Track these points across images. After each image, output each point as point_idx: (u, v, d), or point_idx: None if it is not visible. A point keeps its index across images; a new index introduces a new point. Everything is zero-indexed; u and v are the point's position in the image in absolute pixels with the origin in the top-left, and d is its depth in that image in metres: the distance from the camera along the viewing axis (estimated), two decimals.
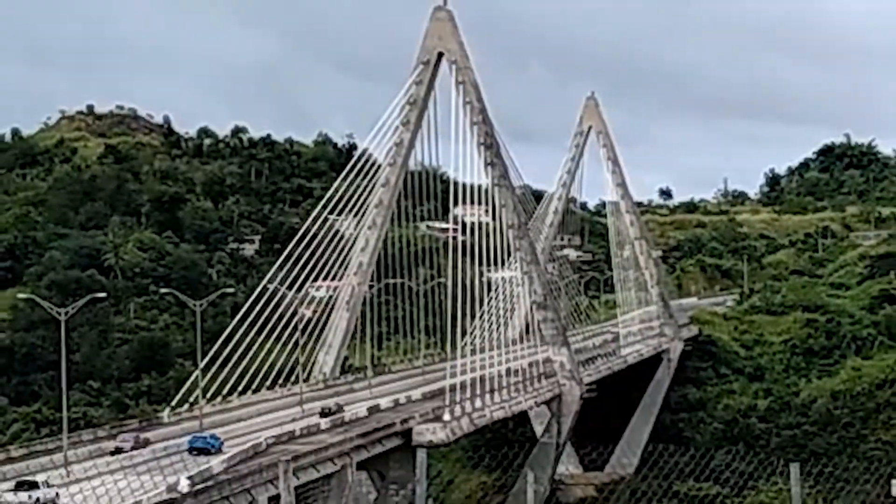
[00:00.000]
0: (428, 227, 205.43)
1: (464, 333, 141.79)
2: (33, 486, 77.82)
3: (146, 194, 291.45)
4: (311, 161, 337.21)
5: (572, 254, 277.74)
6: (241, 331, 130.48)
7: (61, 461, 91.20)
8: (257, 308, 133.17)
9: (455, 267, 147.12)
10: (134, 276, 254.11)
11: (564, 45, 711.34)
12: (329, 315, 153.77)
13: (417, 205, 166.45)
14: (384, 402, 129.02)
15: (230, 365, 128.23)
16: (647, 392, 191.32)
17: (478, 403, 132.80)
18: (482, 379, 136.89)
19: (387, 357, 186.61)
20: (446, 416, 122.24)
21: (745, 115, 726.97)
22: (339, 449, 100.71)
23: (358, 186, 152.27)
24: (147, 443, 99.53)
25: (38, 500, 76.31)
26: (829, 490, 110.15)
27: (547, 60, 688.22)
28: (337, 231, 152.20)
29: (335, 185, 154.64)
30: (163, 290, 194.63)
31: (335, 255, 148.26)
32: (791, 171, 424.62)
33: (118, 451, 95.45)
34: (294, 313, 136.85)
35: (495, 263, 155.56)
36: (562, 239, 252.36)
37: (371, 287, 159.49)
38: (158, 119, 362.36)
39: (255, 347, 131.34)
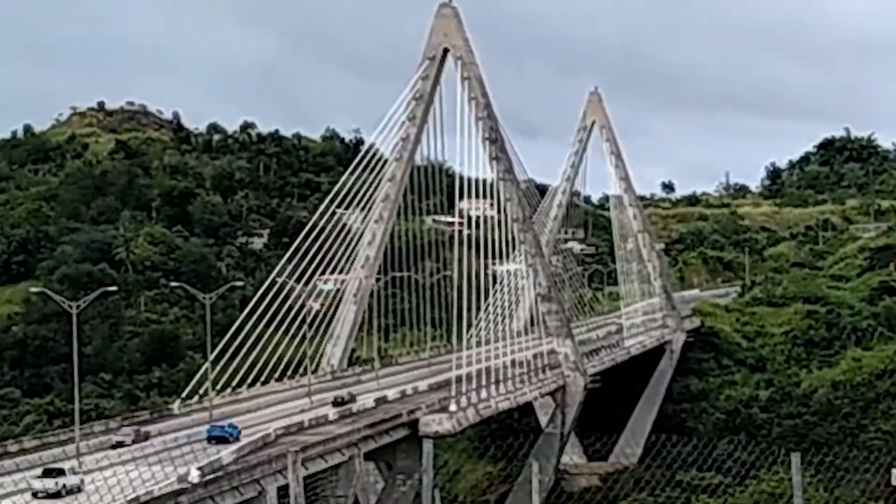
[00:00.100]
0: (434, 220, 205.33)
1: (469, 325, 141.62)
2: (60, 473, 78.33)
3: (156, 189, 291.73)
4: (318, 156, 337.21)
5: (576, 247, 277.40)
6: (250, 323, 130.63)
7: (73, 452, 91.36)
8: (266, 301, 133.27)
9: (461, 260, 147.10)
10: (144, 270, 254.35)
11: (568, 41, 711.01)
12: (337, 308, 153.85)
13: (423, 199, 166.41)
14: (391, 394, 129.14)
15: (239, 357, 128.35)
16: (651, 383, 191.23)
17: (483, 394, 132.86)
18: (487, 370, 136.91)
19: (393, 349, 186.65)
20: (452, 407, 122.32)
21: (746, 109, 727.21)
22: (347, 439, 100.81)
23: (365, 181, 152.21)
24: (148, 436, 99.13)
25: (64, 486, 76.71)
26: (829, 479, 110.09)
27: (550, 56, 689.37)
28: (344, 225, 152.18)
29: (342, 179, 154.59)
30: (173, 284, 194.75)
31: (342, 249, 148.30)
32: (792, 165, 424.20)
33: (119, 444, 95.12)
34: (302, 306, 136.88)
35: (500, 256, 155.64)
36: (566, 232, 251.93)
37: (378, 280, 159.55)
38: (168, 115, 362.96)
39: (263, 340, 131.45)
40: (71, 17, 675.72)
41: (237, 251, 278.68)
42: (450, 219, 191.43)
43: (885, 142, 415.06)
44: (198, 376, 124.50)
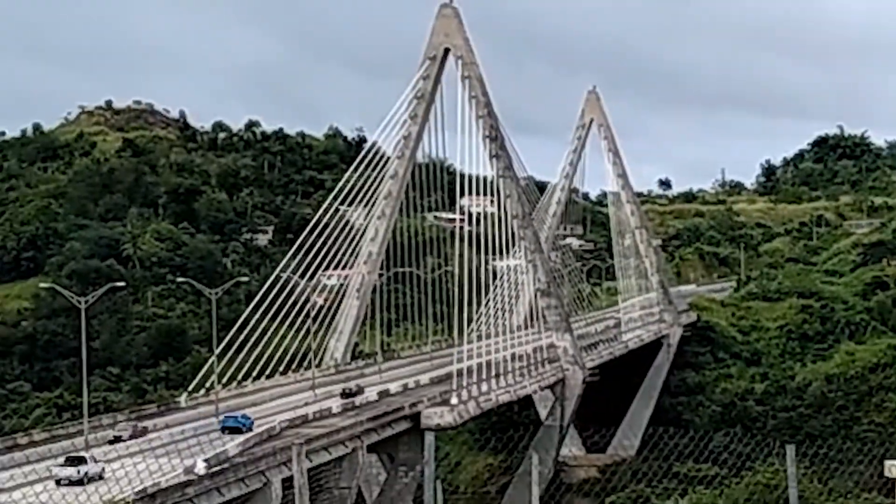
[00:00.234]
0: (435, 217, 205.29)
1: (470, 320, 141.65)
2: (81, 461, 79.13)
3: (163, 186, 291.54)
4: (322, 154, 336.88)
5: (575, 242, 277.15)
6: (255, 318, 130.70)
7: (82, 445, 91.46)
8: (271, 296, 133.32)
9: (461, 256, 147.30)
10: (151, 266, 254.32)
11: (567, 40, 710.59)
12: (340, 302, 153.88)
13: (425, 195, 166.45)
14: (393, 387, 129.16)
15: (245, 351, 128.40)
16: (648, 376, 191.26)
17: (484, 388, 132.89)
18: (488, 364, 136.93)
19: (396, 343, 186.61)
20: (453, 400, 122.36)
21: (742, 108, 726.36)
22: (351, 432, 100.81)
23: (367, 178, 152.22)
24: (145, 431, 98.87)
25: (85, 474, 77.25)
26: (823, 470, 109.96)
27: (549, 55, 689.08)
28: (347, 221, 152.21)
29: (346, 176, 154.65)
30: (179, 279, 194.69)
31: (346, 245, 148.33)
32: (786, 162, 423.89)
33: (117, 439, 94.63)
34: (306, 301, 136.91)
35: (500, 252, 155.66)
36: (565, 228, 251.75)
37: (380, 275, 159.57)
38: (175, 114, 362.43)
39: (268, 334, 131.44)
40: (80, 18, 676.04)
41: (242, 247, 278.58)
42: (451, 215, 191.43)
43: (878, 139, 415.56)
44: (204, 370, 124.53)
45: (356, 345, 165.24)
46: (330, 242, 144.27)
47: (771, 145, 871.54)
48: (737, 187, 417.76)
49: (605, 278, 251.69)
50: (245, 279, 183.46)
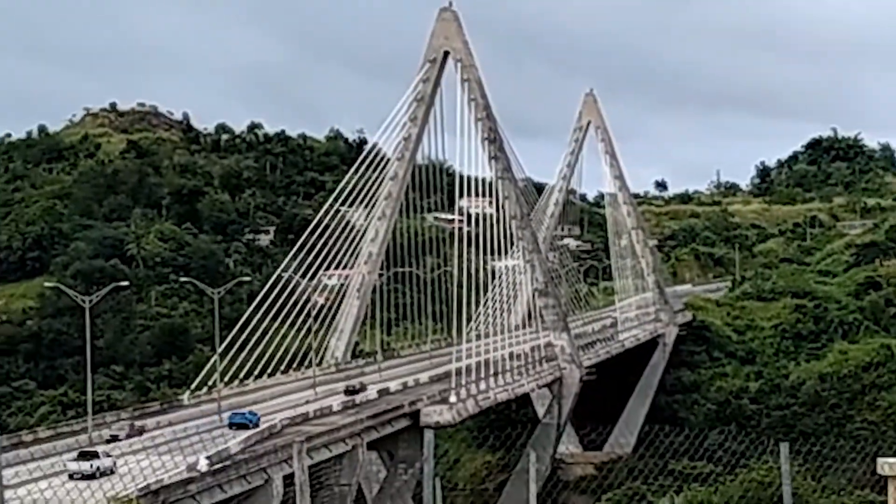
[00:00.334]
0: (435, 218, 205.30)
1: (469, 319, 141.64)
2: (94, 455, 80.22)
3: (166, 187, 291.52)
4: (323, 155, 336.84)
5: (572, 243, 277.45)
6: (256, 317, 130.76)
7: (86, 442, 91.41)
8: (272, 296, 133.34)
9: (461, 256, 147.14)
10: (155, 266, 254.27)
11: (564, 43, 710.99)
12: (341, 302, 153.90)
13: (425, 197, 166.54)
14: (393, 385, 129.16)
15: (247, 350, 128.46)
16: (644, 375, 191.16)
17: (482, 386, 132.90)
18: (486, 363, 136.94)
19: (395, 342, 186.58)
20: (452, 399, 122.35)
21: (737, 110, 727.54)
22: (351, 430, 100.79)
23: (368, 179, 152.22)
24: (142, 431, 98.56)
25: (98, 468, 78.10)
26: (817, 468, 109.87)
27: (548, 58, 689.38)
28: (348, 222, 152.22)
29: (346, 178, 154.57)
30: (182, 279, 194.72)
31: (346, 245, 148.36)
32: (781, 164, 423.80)
33: (114, 438, 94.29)
34: (307, 300, 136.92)
35: (499, 252, 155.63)
36: (562, 229, 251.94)
37: (381, 275, 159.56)
38: (178, 116, 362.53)
39: (270, 333, 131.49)
40: (83, 20, 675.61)
41: (244, 247, 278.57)
42: (450, 216, 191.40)
43: (870, 141, 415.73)
44: (206, 368, 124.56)
45: (356, 344, 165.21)
46: (331, 243, 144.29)
47: (765, 147, 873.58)
48: (732, 189, 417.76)
49: (601, 278, 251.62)
50: (247, 279, 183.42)
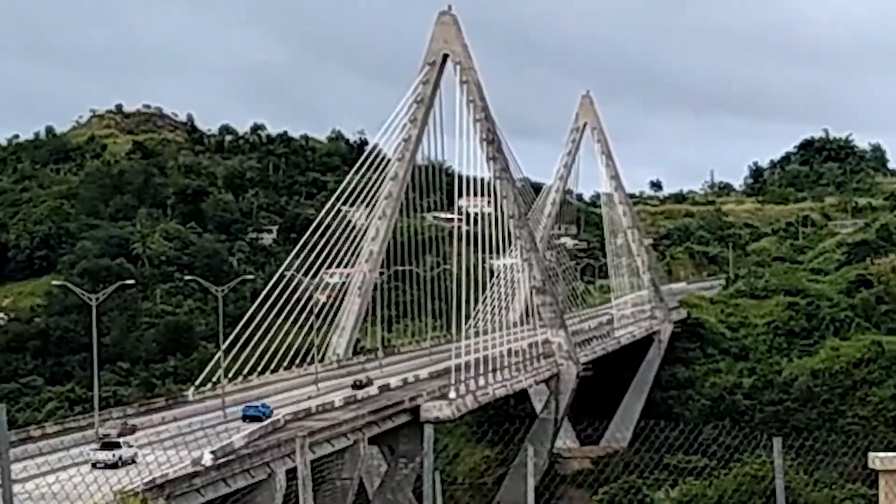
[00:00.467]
0: (434, 217, 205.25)
1: (468, 317, 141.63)
2: (116, 445, 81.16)
3: (171, 187, 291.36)
4: (325, 156, 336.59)
5: (569, 242, 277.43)
6: (260, 315, 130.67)
7: (93, 437, 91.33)
8: (275, 293, 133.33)
9: (460, 254, 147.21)
10: (160, 264, 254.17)
11: (561, 46, 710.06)
12: (342, 300, 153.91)
13: (424, 196, 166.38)
14: (394, 381, 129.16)
15: (250, 347, 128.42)
16: (640, 371, 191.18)
17: (481, 382, 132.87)
18: (485, 359, 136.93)
19: (396, 339, 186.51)
20: (452, 394, 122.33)
21: (730, 111, 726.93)
22: (352, 425, 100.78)
23: (369, 179, 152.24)
24: (134, 430, 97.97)
25: (120, 457, 78.79)
26: (809, 462, 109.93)
27: (544, 60, 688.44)
28: (349, 221, 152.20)
29: (348, 178, 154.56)
30: (187, 277, 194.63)
31: (348, 244, 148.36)
32: (773, 164, 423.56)
33: (105, 437, 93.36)
34: (309, 298, 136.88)
35: (497, 251, 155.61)
36: (559, 228, 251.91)
37: (381, 273, 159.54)
38: (183, 117, 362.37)
39: (273, 330, 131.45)
40: (90, 24, 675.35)
41: (248, 246, 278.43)
42: (449, 215, 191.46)
43: (861, 142, 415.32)
44: (211, 365, 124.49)
45: (358, 340, 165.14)
46: (332, 242, 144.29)
47: (758, 148, 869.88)
48: (725, 188, 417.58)
49: (598, 276, 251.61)
50: (250, 277, 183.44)
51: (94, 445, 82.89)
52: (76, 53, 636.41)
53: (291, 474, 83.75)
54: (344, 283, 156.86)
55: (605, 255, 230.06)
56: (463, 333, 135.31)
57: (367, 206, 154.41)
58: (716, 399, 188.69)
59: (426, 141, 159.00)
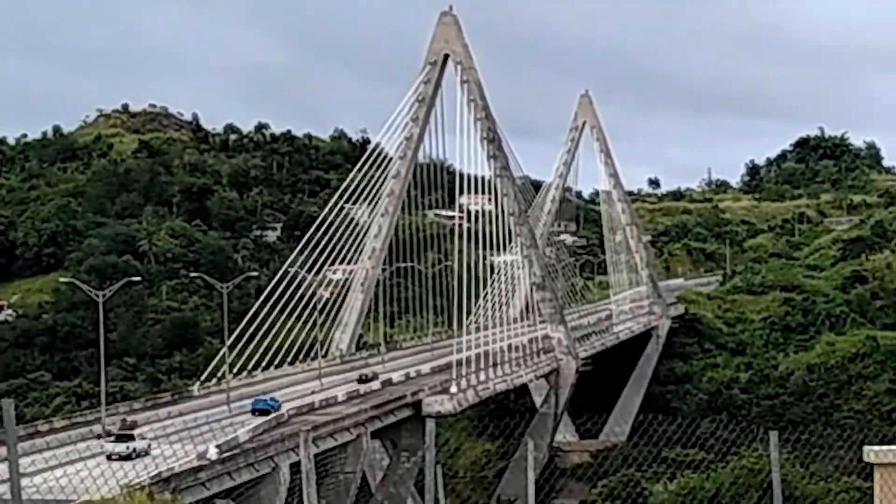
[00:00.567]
0: (436, 214, 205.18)
1: (469, 312, 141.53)
2: (130, 438, 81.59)
3: (177, 186, 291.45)
4: (328, 154, 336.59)
5: (568, 239, 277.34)
6: (264, 311, 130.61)
7: (100, 431, 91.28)
8: (279, 290, 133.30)
9: (461, 251, 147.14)
10: (166, 261, 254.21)
11: (561, 46, 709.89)
12: (345, 296, 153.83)
13: (426, 194, 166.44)
14: (396, 376, 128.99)
15: (254, 342, 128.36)
16: (638, 366, 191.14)
17: (482, 377, 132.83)
18: (486, 354, 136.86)
19: (398, 334, 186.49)
20: (453, 389, 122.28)
21: (727, 110, 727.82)
22: (355, 419, 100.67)
23: (371, 177, 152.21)
24: (134, 425, 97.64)
25: (134, 449, 79.05)
26: (805, 455, 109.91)
27: (544, 61, 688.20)
28: (352, 219, 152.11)
29: (350, 176, 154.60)
30: (192, 274, 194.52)
31: (350, 241, 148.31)
32: (770, 162, 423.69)
33: (106, 434, 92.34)
34: (313, 294, 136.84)
35: (497, 248, 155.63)
36: (559, 225, 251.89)
37: (384, 270, 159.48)
38: (188, 116, 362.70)
39: (277, 326, 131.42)
40: (92, 25, 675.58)
41: (252, 243, 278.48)
42: (450, 213, 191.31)
43: (856, 140, 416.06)
44: (216, 360, 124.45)
45: (360, 336, 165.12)
46: (335, 239, 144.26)
47: (755, 146, 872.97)
48: (722, 186, 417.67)
49: (597, 273, 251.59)
50: (255, 274, 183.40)
51: (109, 438, 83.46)
52: (79, 53, 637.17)
53: (295, 468, 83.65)
54: (347, 279, 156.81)
55: (603, 252, 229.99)
56: (464, 329, 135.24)
57: (369, 203, 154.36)
58: (713, 393, 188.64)
59: (427, 139, 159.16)
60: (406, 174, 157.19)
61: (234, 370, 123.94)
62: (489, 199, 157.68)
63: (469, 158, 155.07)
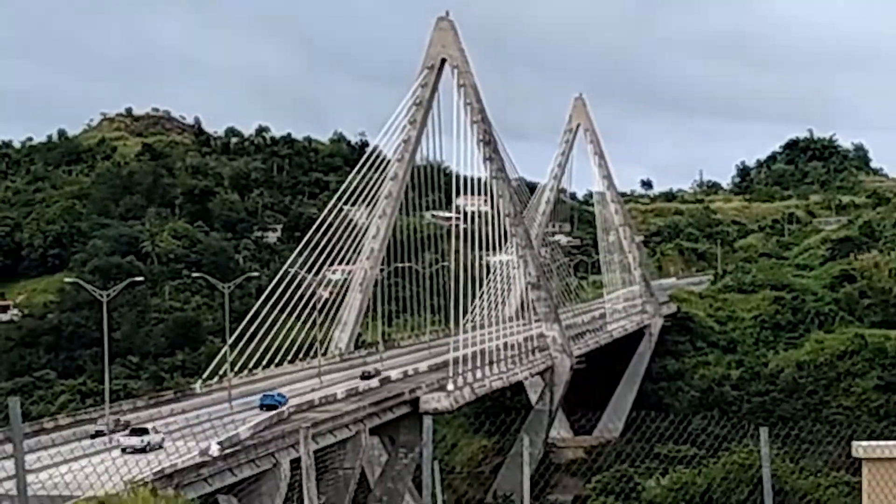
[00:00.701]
0: (433, 215, 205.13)
1: (465, 312, 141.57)
2: (144, 431, 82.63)
3: (179, 188, 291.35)
4: (327, 157, 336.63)
5: (563, 239, 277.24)
6: (265, 310, 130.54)
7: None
8: (279, 290, 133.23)
9: (457, 252, 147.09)
10: (168, 262, 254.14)
11: (555, 51, 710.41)
12: (344, 296, 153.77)
13: (423, 195, 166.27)
14: (394, 374, 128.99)
15: (255, 341, 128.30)
16: (631, 363, 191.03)
17: (478, 374, 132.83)
18: (482, 352, 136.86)
19: (396, 333, 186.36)
20: (450, 386, 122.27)
21: (719, 113, 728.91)
22: (354, 416, 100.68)
23: (370, 179, 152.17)
24: (127, 426, 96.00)
25: (147, 443, 79.77)
26: (795, 451, 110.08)
27: (539, 65, 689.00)
28: (351, 220, 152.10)
29: (349, 178, 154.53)
30: (194, 274, 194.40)
31: (349, 242, 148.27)
32: (760, 164, 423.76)
33: (98, 434, 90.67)
34: (312, 294, 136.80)
35: (493, 248, 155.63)
36: (553, 226, 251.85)
37: (382, 270, 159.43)
38: (190, 120, 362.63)
39: (277, 325, 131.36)
40: (102, 31, 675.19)
41: (253, 244, 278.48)
42: (447, 214, 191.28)
43: (845, 142, 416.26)
44: (217, 359, 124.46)
45: (359, 335, 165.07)
46: (335, 240, 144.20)
47: (745, 148, 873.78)
48: (714, 187, 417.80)
49: (591, 272, 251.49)
50: (256, 274, 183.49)
51: (124, 432, 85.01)
52: (83, 59, 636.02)
53: (295, 464, 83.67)
54: (346, 279, 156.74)
55: (597, 252, 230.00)
56: (461, 328, 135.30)
57: (367, 205, 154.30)
58: (705, 390, 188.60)
59: (425, 142, 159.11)
60: (404, 176, 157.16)
61: (236, 368, 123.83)
62: (485, 201, 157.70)
63: (465, 160, 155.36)
